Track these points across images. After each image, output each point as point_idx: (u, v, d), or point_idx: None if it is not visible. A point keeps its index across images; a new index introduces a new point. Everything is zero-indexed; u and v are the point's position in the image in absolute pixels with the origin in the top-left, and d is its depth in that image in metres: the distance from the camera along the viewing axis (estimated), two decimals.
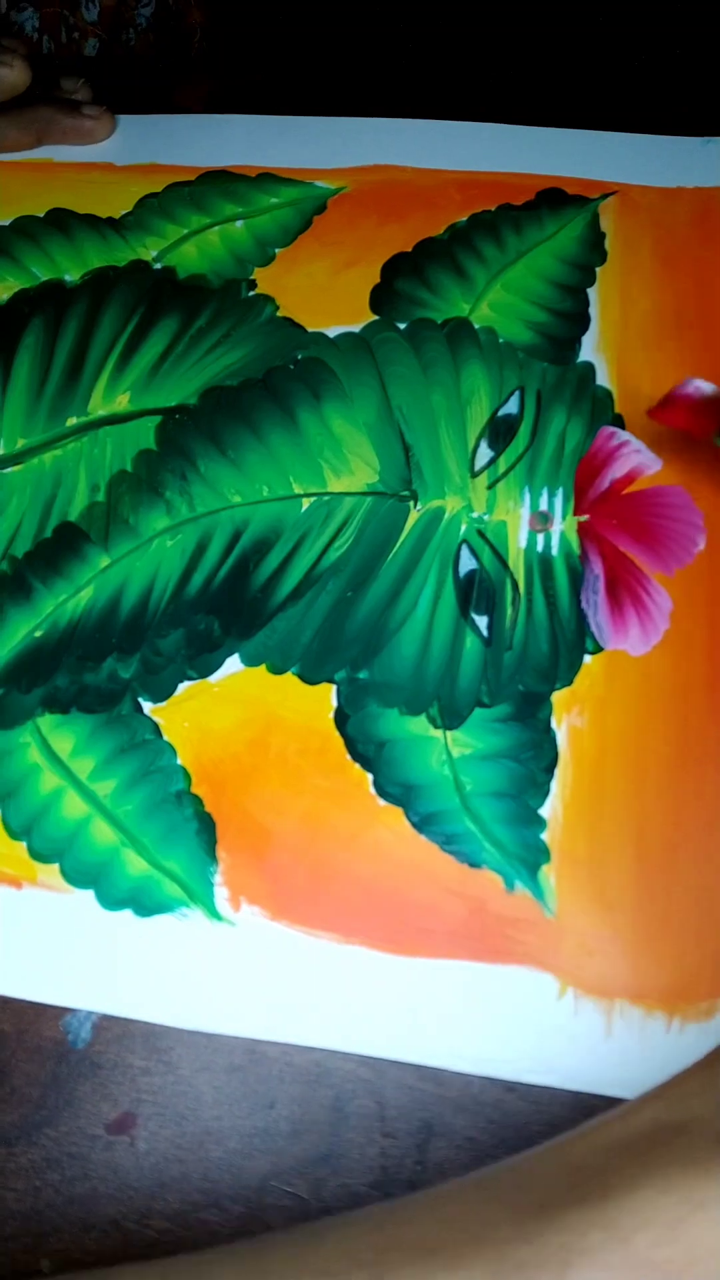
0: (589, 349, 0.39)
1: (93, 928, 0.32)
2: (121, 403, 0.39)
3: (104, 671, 0.35)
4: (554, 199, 0.42)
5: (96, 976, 0.31)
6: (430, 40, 0.49)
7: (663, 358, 0.39)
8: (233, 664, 0.35)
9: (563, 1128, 0.27)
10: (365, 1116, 0.30)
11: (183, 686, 0.35)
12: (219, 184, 0.44)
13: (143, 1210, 0.30)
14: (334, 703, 0.34)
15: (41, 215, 0.43)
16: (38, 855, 0.33)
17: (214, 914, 0.32)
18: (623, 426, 0.38)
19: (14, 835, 0.33)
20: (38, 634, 0.36)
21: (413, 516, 0.37)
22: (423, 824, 0.33)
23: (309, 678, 0.35)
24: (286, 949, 0.31)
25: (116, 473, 0.38)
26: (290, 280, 0.41)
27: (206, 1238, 0.29)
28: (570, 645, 0.35)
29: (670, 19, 0.46)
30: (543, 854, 0.32)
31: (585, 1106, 0.28)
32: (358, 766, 0.33)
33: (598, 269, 0.41)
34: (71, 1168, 0.30)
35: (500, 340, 0.39)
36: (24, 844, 0.33)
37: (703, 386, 0.33)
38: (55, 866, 0.33)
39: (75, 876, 0.32)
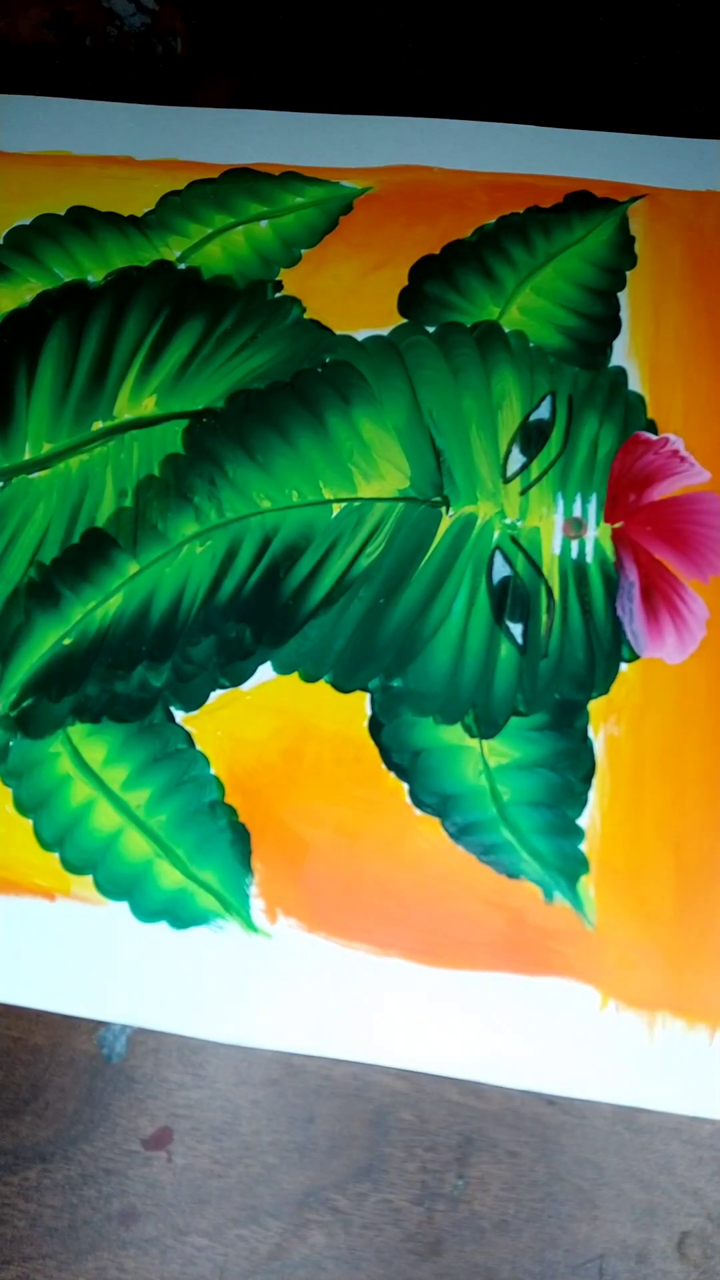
0: (620, 354, 0.39)
1: (127, 940, 0.32)
2: (148, 406, 0.39)
3: (135, 680, 0.35)
4: (582, 202, 0.42)
5: (131, 989, 0.31)
6: (430, 40, 0.49)
7: (696, 363, 0.39)
8: (265, 672, 0.35)
9: (604, 1141, 0.27)
10: (405, 1130, 0.30)
11: (215, 695, 0.35)
12: (243, 182, 0.44)
13: (180, 1227, 0.30)
14: (368, 711, 0.35)
15: (62, 213, 0.43)
16: (70, 867, 0.33)
17: (250, 926, 0.32)
18: (655, 432, 0.38)
19: (46, 846, 0.33)
20: (67, 642, 0.36)
21: (445, 523, 0.37)
22: (460, 834, 0.33)
23: (342, 686, 0.35)
24: (323, 961, 0.32)
25: (144, 477, 0.38)
26: (317, 282, 0.41)
27: (245, 1254, 0.29)
28: (606, 653, 0.35)
29: (670, 19, 0.46)
30: (581, 865, 0.32)
31: (627, 1120, 0.28)
32: (393, 776, 0.34)
33: (628, 273, 0.41)
34: (108, 1184, 0.30)
35: (531, 344, 0.40)
36: (56, 855, 0.33)
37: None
38: (89, 878, 0.33)
39: (109, 888, 0.33)
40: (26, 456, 0.38)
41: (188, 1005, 0.31)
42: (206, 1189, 0.30)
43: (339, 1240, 0.29)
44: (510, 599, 0.36)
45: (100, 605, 0.36)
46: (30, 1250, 0.30)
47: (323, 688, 0.35)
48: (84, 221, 0.43)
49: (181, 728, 0.35)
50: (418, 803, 0.33)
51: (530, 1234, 0.29)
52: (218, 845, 0.33)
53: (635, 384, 0.39)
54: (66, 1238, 0.30)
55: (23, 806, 0.34)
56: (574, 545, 0.36)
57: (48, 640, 0.36)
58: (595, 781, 0.33)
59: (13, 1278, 0.29)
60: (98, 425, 0.39)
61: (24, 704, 0.35)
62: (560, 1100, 0.30)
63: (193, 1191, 0.30)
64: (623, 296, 0.40)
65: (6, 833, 0.33)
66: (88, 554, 0.37)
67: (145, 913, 0.32)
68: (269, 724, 0.35)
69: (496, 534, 0.37)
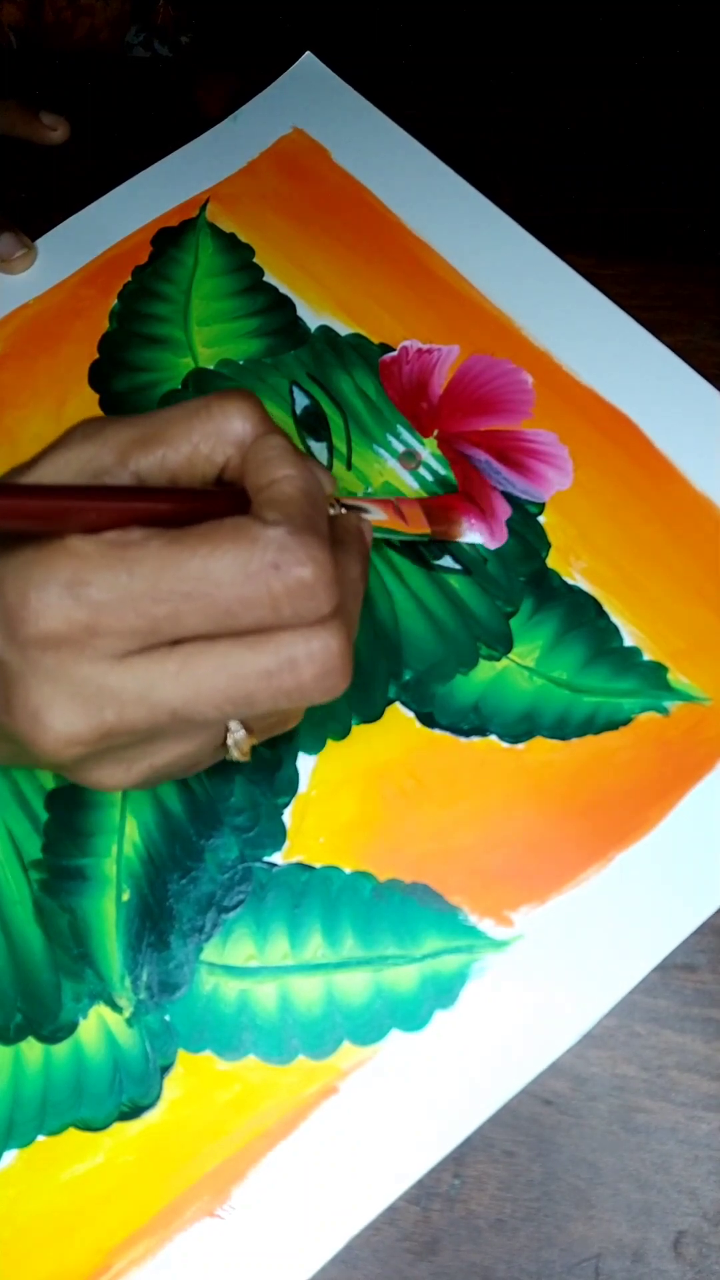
0: (307, 314, 0.42)
1: (448, 1044, 0.31)
2: None
3: (211, 867, 0.33)
4: (169, 236, 0.44)
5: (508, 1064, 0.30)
6: (430, 40, 0.48)
7: (348, 287, 0.42)
8: (305, 763, 0.35)
9: (601, 1141, 0.30)
10: None
11: (286, 815, 0.34)
12: None
13: None
14: (408, 714, 0.35)
15: None
16: (319, 1053, 0.31)
17: (497, 944, 0.32)
18: (387, 350, 0.41)
19: (290, 1056, 0.31)
20: (125, 898, 0.33)
21: None
22: (561, 731, 0.34)
23: (372, 716, 0.35)
24: (569, 910, 0.32)
25: None
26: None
27: None
28: (522, 521, 0.37)
29: (670, 19, 0.47)
30: (661, 669, 0.35)
31: (623, 1120, 0.31)
32: (476, 739, 0.34)
33: (255, 259, 0.43)
34: None
35: (241, 363, 0.41)
36: (304, 1056, 0.31)
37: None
38: (348, 1044, 0.31)
39: (369, 1035, 0.31)
40: None
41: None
42: None
43: None
44: (421, 545, 0.37)
45: (120, 841, 0.34)
46: None
47: (361, 730, 0.35)
48: None
49: (293, 864, 0.33)
50: (512, 739, 0.34)
51: (526, 1233, 0.30)
52: (415, 919, 0.32)
53: (341, 329, 0.42)
54: None
55: (228, 1047, 0.31)
56: (423, 470, 0.39)
57: (105, 911, 0.33)
58: (606, 608, 0.36)
59: None
60: None
61: (145, 978, 0.32)
62: (557, 1100, 0.31)
63: None
64: (269, 276, 0.43)
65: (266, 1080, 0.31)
66: (67, 814, 0.34)
67: (417, 1024, 0.31)
68: (349, 796, 0.34)
69: None
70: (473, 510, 0.38)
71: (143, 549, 0.22)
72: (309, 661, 0.23)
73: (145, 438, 0.24)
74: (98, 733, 0.22)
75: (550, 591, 0.36)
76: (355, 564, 0.27)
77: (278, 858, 0.33)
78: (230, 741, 0.25)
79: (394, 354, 0.41)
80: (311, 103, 0.47)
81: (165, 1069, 0.31)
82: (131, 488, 0.23)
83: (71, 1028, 0.32)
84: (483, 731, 0.35)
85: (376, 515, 0.33)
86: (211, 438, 0.24)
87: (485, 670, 0.35)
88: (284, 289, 0.43)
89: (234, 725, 0.25)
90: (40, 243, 0.45)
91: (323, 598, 0.23)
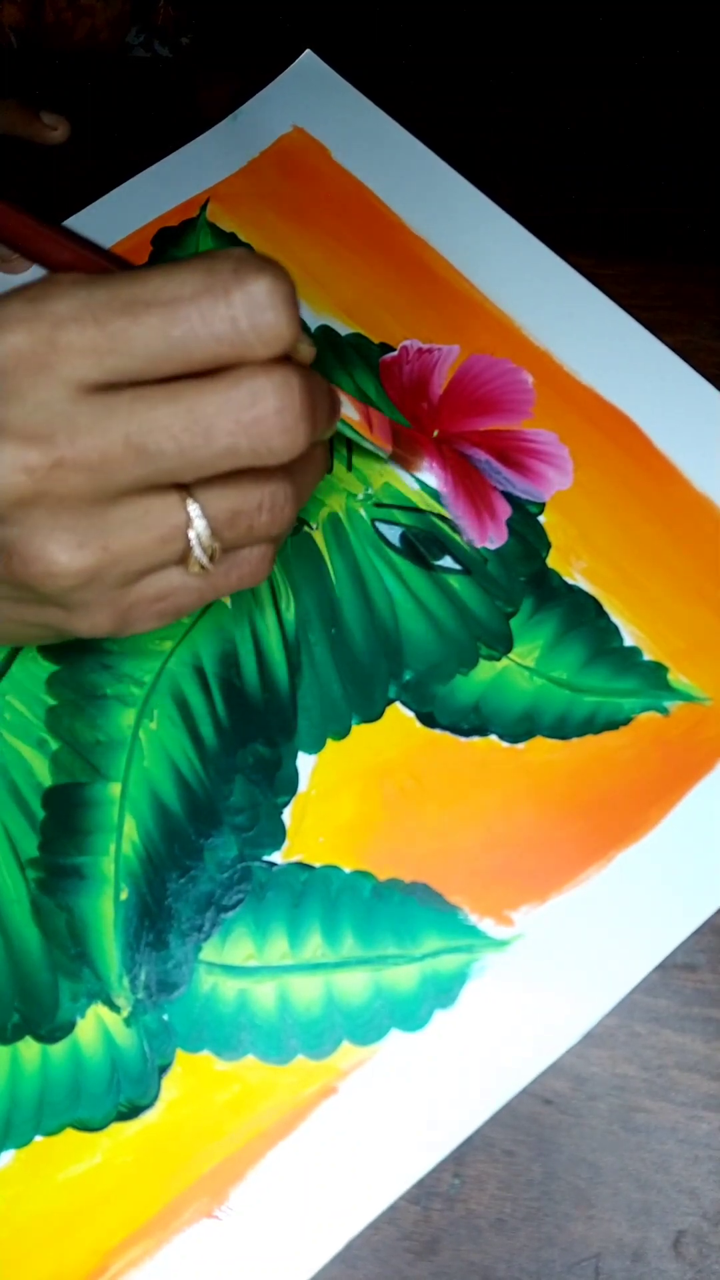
0: (305, 312, 0.42)
1: (454, 1045, 0.31)
2: None
3: (210, 867, 0.33)
4: (169, 236, 0.44)
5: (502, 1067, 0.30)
6: (430, 40, 0.49)
7: (348, 287, 0.43)
8: (305, 762, 0.35)
9: (601, 1140, 0.30)
10: None
11: (286, 814, 0.34)
12: None
13: None
14: (409, 714, 0.35)
15: None
16: (318, 1053, 0.31)
17: (497, 944, 0.32)
18: (387, 350, 0.41)
19: (289, 1056, 0.31)
20: (124, 896, 0.33)
21: (318, 536, 0.38)
22: (561, 731, 0.34)
23: (372, 715, 0.35)
24: (568, 908, 0.32)
25: (47, 711, 0.36)
26: None
27: None
28: (522, 521, 0.38)
29: (670, 19, 0.48)
30: (660, 669, 0.35)
31: (623, 1119, 0.31)
32: (476, 739, 0.35)
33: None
34: None
35: None
36: (303, 1056, 0.31)
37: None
38: (348, 1044, 0.31)
39: (369, 1035, 0.31)
40: None
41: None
42: None
43: None
44: (421, 545, 0.38)
45: (118, 840, 0.34)
46: None
47: (360, 731, 0.35)
48: None
49: (293, 864, 0.33)
50: (512, 739, 0.35)
51: (526, 1233, 0.30)
52: (415, 918, 0.32)
53: (341, 329, 0.42)
54: None
55: (229, 1047, 0.31)
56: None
57: (103, 910, 0.33)
58: (605, 608, 0.36)
59: None
60: None
61: (143, 978, 0.32)
62: (557, 1100, 0.31)
63: None
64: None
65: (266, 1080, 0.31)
66: (65, 812, 0.34)
67: (419, 1021, 0.31)
68: (349, 795, 0.34)
69: (363, 511, 0.38)
70: (435, 455, 0.38)
71: (109, 275, 0.23)
72: (268, 393, 0.23)
73: None
74: (49, 458, 0.22)
75: (550, 591, 0.37)
76: (324, 414, 0.26)
77: (277, 857, 0.34)
78: (193, 536, 0.25)
79: (394, 354, 0.41)
80: (312, 101, 0.47)
81: (163, 1069, 0.31)
82: (126, 263, 0.24)
83: (69, 1027, 0.32)
84: (483, 731, 0.35)
85: (348, 410, 0.33)
86: None
87: (485, 670, 0.36)
88: None
89: (195, 513, 0.24)
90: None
91: (282, 313, 0.22)
